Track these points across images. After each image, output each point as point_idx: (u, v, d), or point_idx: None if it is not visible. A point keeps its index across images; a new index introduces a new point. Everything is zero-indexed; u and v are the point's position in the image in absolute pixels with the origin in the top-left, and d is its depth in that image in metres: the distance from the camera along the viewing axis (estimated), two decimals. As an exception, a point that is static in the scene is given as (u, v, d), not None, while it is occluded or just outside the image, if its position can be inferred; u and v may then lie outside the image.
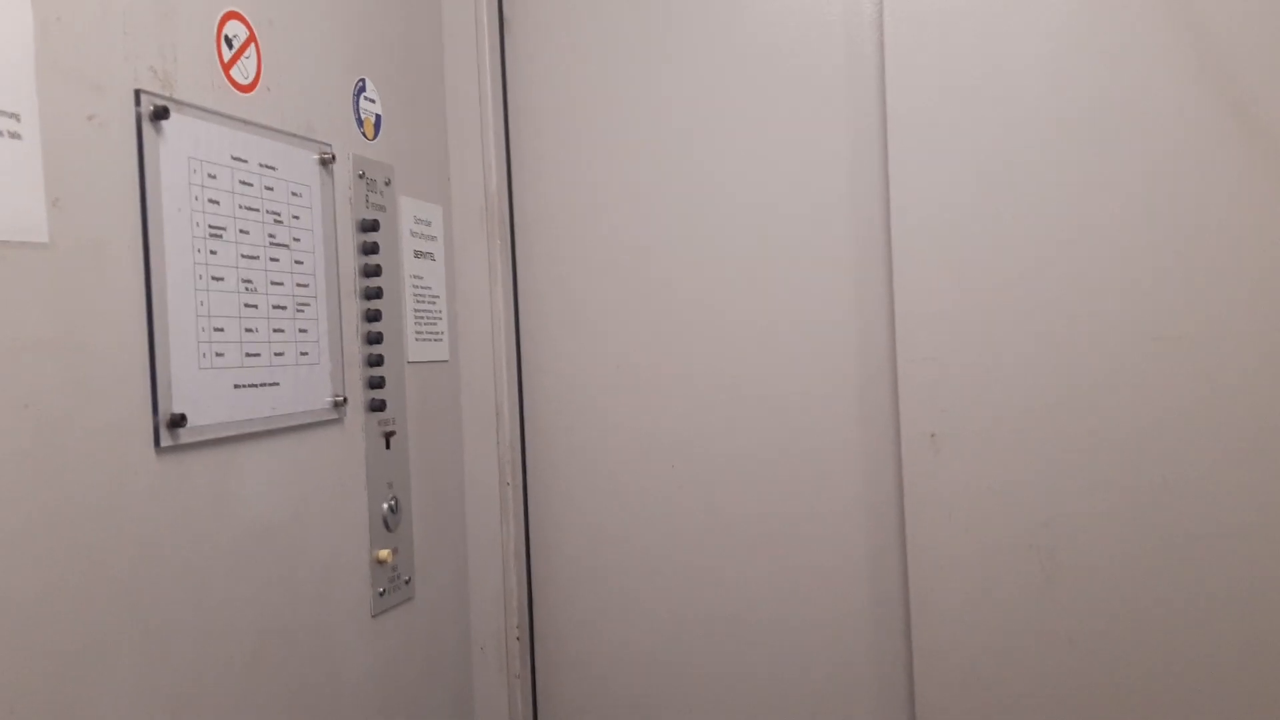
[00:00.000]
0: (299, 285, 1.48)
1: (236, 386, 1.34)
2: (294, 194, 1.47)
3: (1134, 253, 1.72)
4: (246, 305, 1.36)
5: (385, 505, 1.69)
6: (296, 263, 1.47)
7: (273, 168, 1.43)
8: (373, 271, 1.66)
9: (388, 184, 1.74)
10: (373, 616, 1.65)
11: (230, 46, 1.36)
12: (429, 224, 1.89)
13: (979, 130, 1.77)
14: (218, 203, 1.32)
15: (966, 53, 1.78)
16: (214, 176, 1.31)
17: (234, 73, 1.37)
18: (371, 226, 1.66)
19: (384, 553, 1.67)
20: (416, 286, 1.83)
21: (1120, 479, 1.74)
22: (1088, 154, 1.73)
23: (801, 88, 1.91)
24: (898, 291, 1.82)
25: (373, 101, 1.71)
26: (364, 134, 1.68)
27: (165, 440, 1.21)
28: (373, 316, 1.67)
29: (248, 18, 1.40)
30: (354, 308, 1.63)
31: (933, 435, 1.82)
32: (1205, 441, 1.70)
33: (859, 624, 1.92)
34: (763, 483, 1.96)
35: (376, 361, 1.67)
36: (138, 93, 1.20)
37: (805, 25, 1.90)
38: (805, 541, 1.94)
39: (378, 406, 1.67)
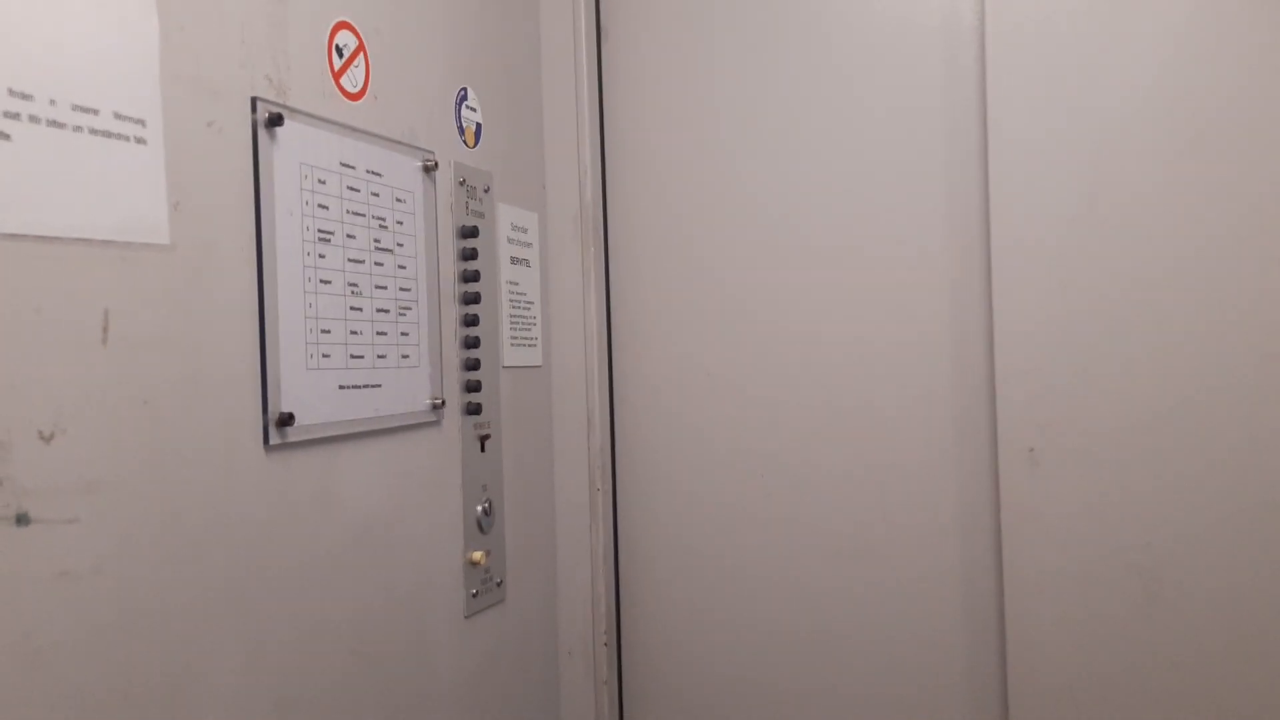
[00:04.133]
0: (402, 289, 1.50)
1: (341, 387, 1.37)
2: (398, 200, 1.50)
3: (1245, 265, 1.66)
4: (352, 308, 1.39)
5: (480, 507, 1.71)
6: (400, 267, 1.50)
7: (378, 174, 1.46)
8: (471, 277, 1.69)
9: (487, 191, 1.76)
10: (466, 617, 1.68)
11: (341, 56, 1.39)
12: (525, 231, 1.91)
13: (1084, 141, 1.73)
14: (327, 208, 1.35)
15: (1072, 63, 1.74)
16: (323, 182, 1.34)
17: (344, 81, 1.40)
18: (471, 233, 1.69)
19: (478, 554, 1.69)
20: (512, 292, 1.85)
21: (1226, 499, 1.68)
22: (1197, 166, 1.68)
23: (899, 98, 1.89)
24: (997, 304, 1.79)
25: (474, 110, 1.74)
26: (465, 142, 1.71)
27: (274, 439, 1.25)
28: (470, 321, 1.69)
29: (357, 28, 1.43)
30: (453, 312, 1.66)
31: (1031, 450, 1.78)
32: (1321, 462, 1.64)
33: (952, 642, 1.88)
34: (854, 495, 1.93)
35: (473, 365, 1.69)
36: (254, 100, 1.23)
37: (904, 35, 1.88)
38: (897, 556, 1.91)
39: (474, 410, 1.69)
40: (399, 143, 1.52)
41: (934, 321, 1.87)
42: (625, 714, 2.09)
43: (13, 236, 0.95)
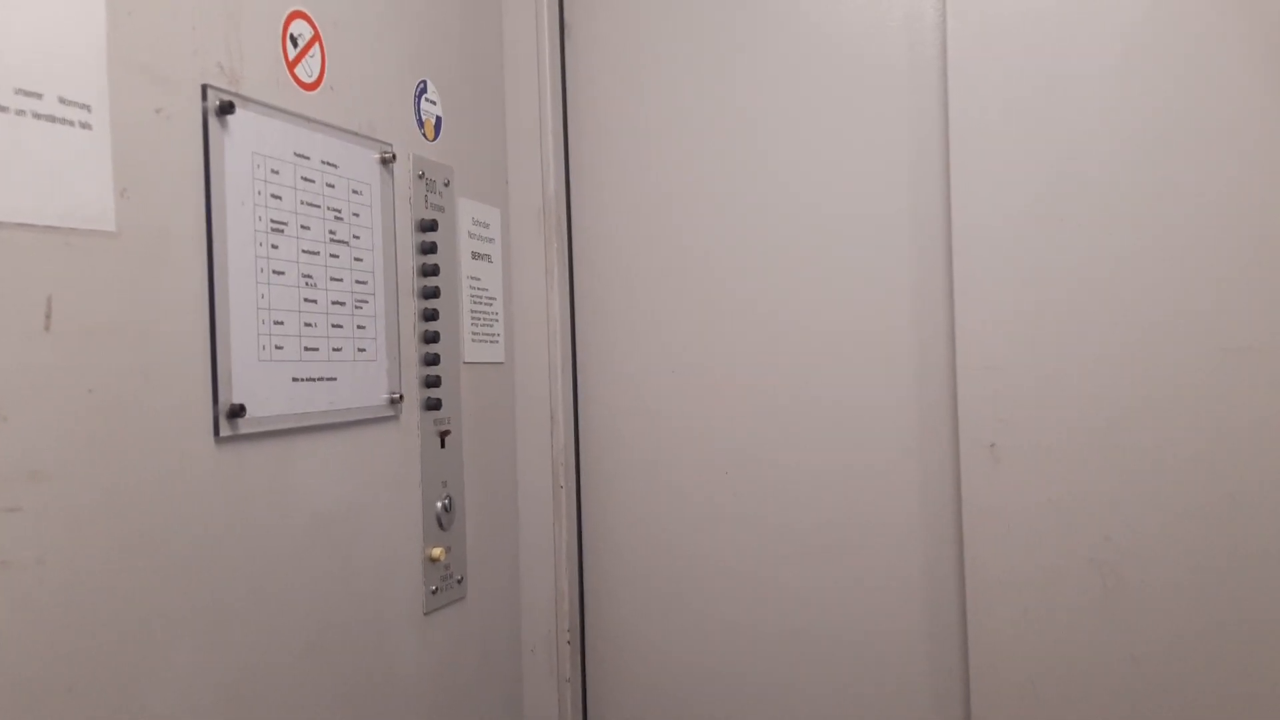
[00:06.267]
0: (358, 282, 1.49)
1: (295, 380, 1.36)
2: (355, 192, 1.49)
3: (1204, 261, 1.67)
4: (306, 300, 1.38)
5: (439, 504, 1.70)
6: (356, 260, 1.49)
7: (334, 165, 1.45)
8: (431, 271, 1.68)
9: (447, 185, 1.76)
10: (425, 614, 1.66)
11: (295, 45, 1.38)
12: (487, 226, 1.90)
13: (1044, 135, 1.74)
14: (280, 198, 1.34)
15: (1031, 57, 1.75)
16: (277, 172, 1.33)
17: (298, 71, 1.39)
18: (430, 226, 1.68)
19: (437, 551, 1.68)
20: (474, 288, 1.84)
21: (1186, 494, 1.69)
22: (1156, 160, 1.69)
23: (863, 92, 1.89)
24: (958, 299, 1.80)
25: (433, 103, 1.73)
26: (424, 135, 1.70)
27: (224, 430, 1.23)
28: (430, 316, 1.68)
29: (313, 17, 1.42)
30: (411, 306, 1.64)
31: (992, 446, 1.78)
32: (1275, 456, 1.65)
33: (914, 638, 1.89)
34: (817, 492, 1.93)
35: (433, 360, 1.68)
36: (205, 88, 1.22)
37: (867, 30, 1.89)
38: (860, 552, 1.91)
39: (433, 405, 1.68)
40: (356, 134, 1.51)
41: (897, 316, 1.88)
42: (589, 711, 2.08)
43: (-50, 220, 0.93)
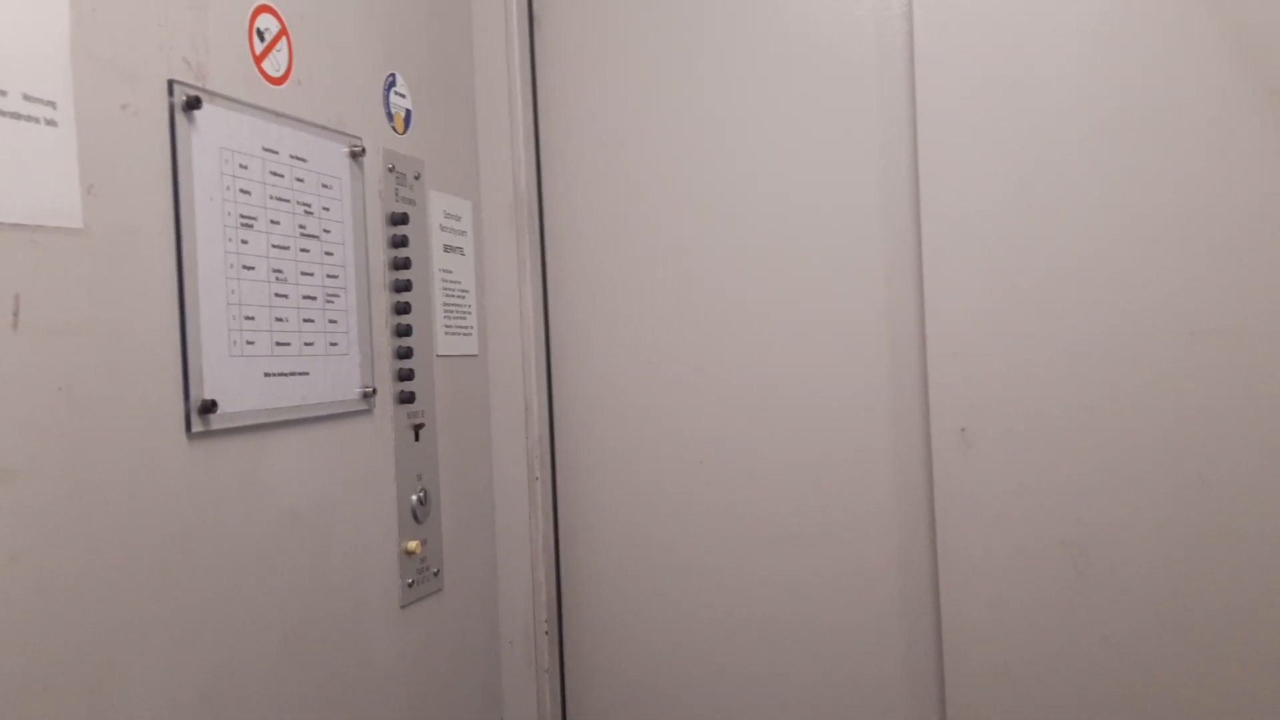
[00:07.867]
0: (329, 276, 1.49)
1: (267, 375, 1.36)
2: (324, 186, 1.49)
3: (1169, 246, 1.70)
4: (277, 295, 1.38)
5: (414, 497, 1.70)
6: (326, 254, 1.49)
7: (303, 160, 1.44)
8: (402, 264, 1.68)
9: (417, 178, 1.75)
10: (401, 607, 1.66)
11: (262, 39, 1.38)
12: (459, 219, 1.90)
13: (1011, 123, 1.76)
14: (249, 193, 1.33)
15: (998, 47, 1.76)
16: (245, 167, 1.33)
17: (266, 65, 1.38)
18: (401, 220, 1.68)
19: (413, 544, 1.68)
20: (446, 281, 1.84)
21: (1155, 475, 1.72)
22: (1122, 148, 1.71)
23: (832, 83, 1.90)
24: (928, 286, 1.81)
25: (403, 96, 1.72)
26: (394, 128, 1.70)
27: (196, 426, 1.23)
28: (402, 309, 1.68)
29: (279, 11, 1.42)
30: (383, 300, 1.64)
31: (963, 431, 1.80)
32: (1241, 437, 1.67)
33: (889, 623, 1.90)
34: (792, 480, 1.95)
35: (406, 354, 1.68)
36: (171, 83, 1.21)
37: (835, 21, 1.90)
38: (834, 539, 1.93)
39: (407, 398, 1.68)
40: (325, 128, 1.50)
41: (868, 304, 1.89)
42: (567, 701, 2.09)
43: (-86, 218, 0.93)
